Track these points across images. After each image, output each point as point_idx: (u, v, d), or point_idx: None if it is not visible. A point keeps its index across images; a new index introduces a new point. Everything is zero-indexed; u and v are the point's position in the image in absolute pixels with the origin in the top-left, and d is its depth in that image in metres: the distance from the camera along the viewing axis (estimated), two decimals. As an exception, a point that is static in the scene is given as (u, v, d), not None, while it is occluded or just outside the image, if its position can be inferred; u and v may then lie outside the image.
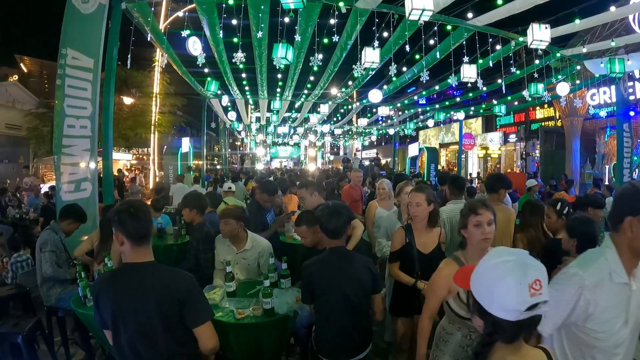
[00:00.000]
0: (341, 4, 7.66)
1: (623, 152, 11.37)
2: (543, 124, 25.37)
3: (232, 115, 20.43)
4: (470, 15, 8.47)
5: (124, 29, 7.28)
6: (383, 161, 35.44)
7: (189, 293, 2.67)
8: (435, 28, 8.88)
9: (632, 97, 17.22)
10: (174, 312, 2.60)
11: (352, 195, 8.71)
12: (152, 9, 7.80)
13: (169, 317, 2.60)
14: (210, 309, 2.82)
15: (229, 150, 40.45)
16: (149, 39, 8.07)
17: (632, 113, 12.82)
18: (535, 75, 11.47)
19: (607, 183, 16.05)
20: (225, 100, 16.39)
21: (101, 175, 7.47)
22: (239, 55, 7.55)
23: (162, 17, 14.58)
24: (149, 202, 10.52)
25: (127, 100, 21.63)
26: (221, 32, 8.46)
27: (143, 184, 21.28)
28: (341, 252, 3.46)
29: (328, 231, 3.42)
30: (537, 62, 11.30)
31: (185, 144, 19.78)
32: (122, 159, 27.57)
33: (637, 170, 15.71)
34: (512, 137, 28.63)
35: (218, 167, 32.80)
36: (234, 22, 7.97)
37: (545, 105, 23.84)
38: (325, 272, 3.33)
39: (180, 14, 8.68)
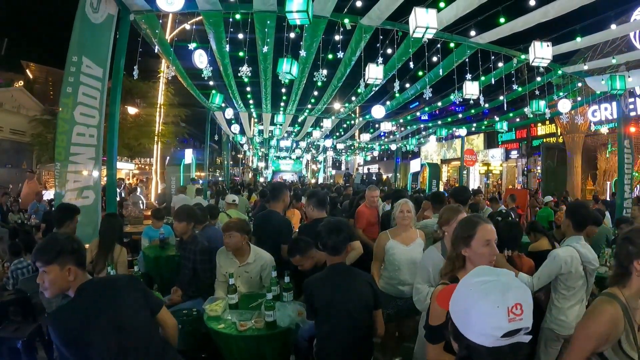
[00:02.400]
0: (346, 20, 7.74)
1: (624, 168, 11.37)
2: (545, 140, 25.44)
3: (235, 128, 20.53)
4: (473, 33, 8.54)
5: (131, 39, 7.37)
6: (384, 176, 35.49)
7: (145, 286, 2.95)
8: (439, 45, 8.98)
9: (633, 114, 17.30)
10: (145, 306, 2.79)
11: (367, 217, 7.46)
12: (160, 21, 7.87)
13: (145, 313, 2.78)
14: None
15: (231, 162, 40.52)
16: (156, 50, 8.15)
17: (633, 129, 12.85)
18: (537, 92, 11.55)
19: (608, 199, 16.11)
20: (229, 113, 16.47)
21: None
22: (245, 69, 7.63)
23: (169, 29, 14.72)
24: (149, 213, 10.57)
25: (132, 110, 21.73)
26: (227, 45, 8.53)
27: (144, 194, 21.28)
28: (342, 269, 3.50)
29: (327, 247, 3.46)
30: (538, 79, 11.40)
31: (188, 155, 19.87)
32: (124, 168, 27.66)
33: (638, 186, 15.75)
34: (514, 154, 28.67)
35: (220, 179, 32.81)
36: (240, 36, 8.06)
37: (547, 122, 23.92)
38: (326, 288, 3.35)
39: (187, 26, 8.74)
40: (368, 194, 7.59)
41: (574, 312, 3.88)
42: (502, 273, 1.55)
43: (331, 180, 48.60)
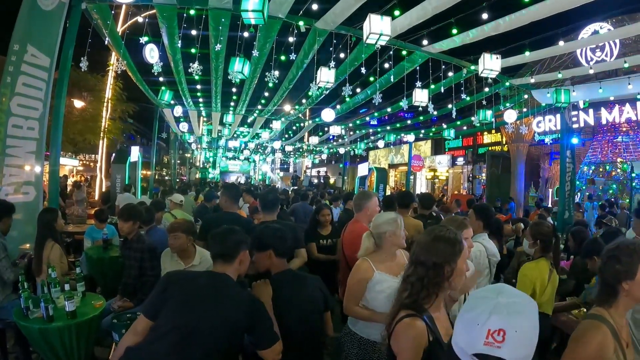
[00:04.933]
0: (301, 23, 7.76)
1: (565, 177, 11.80)
2: (490, 148, 26.10)
3: (183, 126, 20.22)
4: (425, 42, 8.67)
5: (80, 30, 7.12)
6: (332, 180, 35.65)
7: None
8: (391, 52, 9.08)
9: (575, 125, 18.01)
10: None
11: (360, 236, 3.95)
12: (112, 11, 7.66)
13: None
14: None
15: (178, 161, 39.82)
16: (106, 42, 7.92)
17: (575, 140, 13.40)
18: (485, 102, 11.84)
19: (549, 205, 16.69)
20: (178, 110, 16.19)
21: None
22: (196, 67, 7.52)
23: (121, 21, 14.33)
24: (93, 212, 10.22)
25: (78, 104, 20.95)
26: (180, 41, 8.38)
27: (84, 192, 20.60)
28: (291, 274, 3.47)
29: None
30: (486, 89, 11.71)
31: (135, 152, 19.40)
32: (68, 165, 26.73)
33: (578, 194, 16.37)
34: (460, 160, 29.34)
35: (167, 178, 32.24)
36: (193, 32, 7.94)
37: (493, 131, 24.55)
38: (275, 294, 3.27)
39: (140, 19, 8.50)
40: (369, 206, 4.95)
41: None
42: (509, 294, 1.41)
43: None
